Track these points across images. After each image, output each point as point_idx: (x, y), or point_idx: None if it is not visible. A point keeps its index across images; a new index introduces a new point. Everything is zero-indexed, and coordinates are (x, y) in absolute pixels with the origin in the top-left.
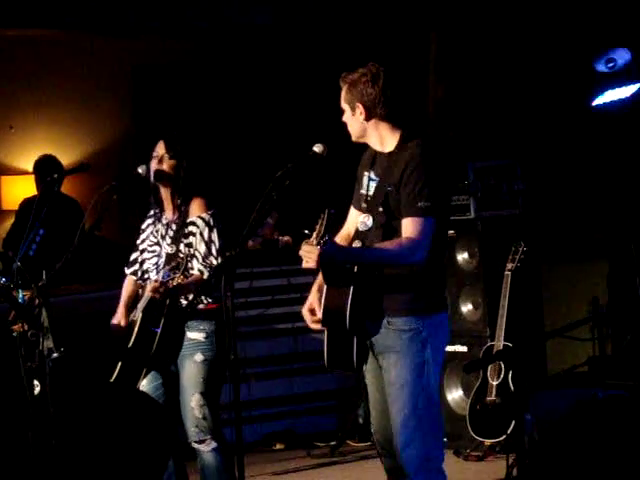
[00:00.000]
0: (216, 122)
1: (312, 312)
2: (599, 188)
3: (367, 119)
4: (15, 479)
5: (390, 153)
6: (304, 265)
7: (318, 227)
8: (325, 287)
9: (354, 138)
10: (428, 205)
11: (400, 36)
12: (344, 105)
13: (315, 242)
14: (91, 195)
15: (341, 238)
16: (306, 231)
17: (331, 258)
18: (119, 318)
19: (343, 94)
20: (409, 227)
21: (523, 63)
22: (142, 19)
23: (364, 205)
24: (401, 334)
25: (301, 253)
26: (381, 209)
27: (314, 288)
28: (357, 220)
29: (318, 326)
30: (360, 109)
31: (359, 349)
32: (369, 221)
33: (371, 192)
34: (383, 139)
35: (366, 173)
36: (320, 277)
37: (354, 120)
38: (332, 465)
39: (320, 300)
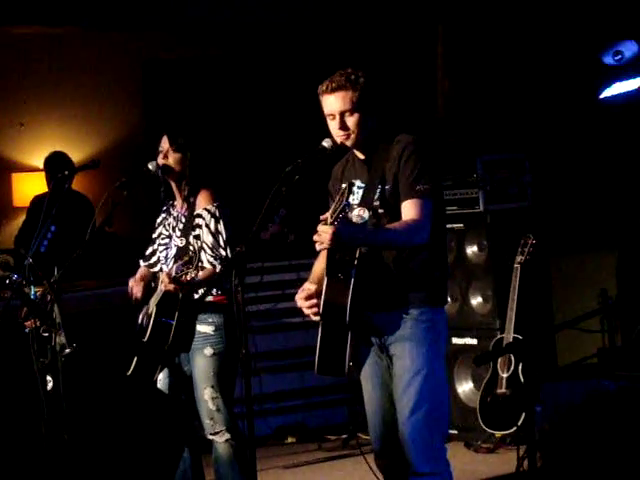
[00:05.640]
0: (226, 117)
1: (308, 298)
2: (607, 180)
3: (368, 123)
4: (29, 474)
5: (374, 154)
6: (317, 247)
7: (334, 205)
8: (325, 281)
9: (354, 142)
10: (427, 188)
11: (407, 31)
12: (343, 109)
13: (330, 221)
14: (102, 191)
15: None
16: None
17: (345, 237)
18: (135, 282)
19: (341, 99)
20: (410, 209)
21: (530, 56)
22: (152, 14)
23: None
24: (418, 324)
25: (315, 237)
26: (377, 203)
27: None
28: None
29: (314, 312)
30: (361, 113)
31: (352, 351)
32: (365, 213)
33: (360, 199)
34: (371, 141)
35: (347, 185)
36: (312, 276)
37: (359, 123)
38: (343, 458)
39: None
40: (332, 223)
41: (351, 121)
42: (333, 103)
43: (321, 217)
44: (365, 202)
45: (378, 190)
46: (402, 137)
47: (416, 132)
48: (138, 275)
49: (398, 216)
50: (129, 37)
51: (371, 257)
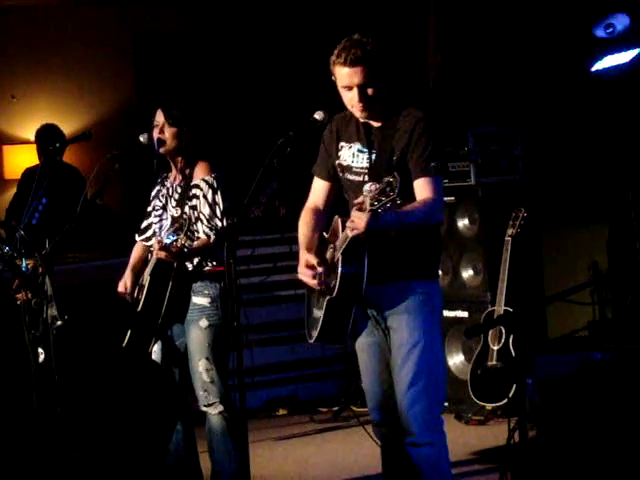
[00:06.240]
0: (218, 89)
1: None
2: (599, 153)
3: (383, 92)
4: (21, 447)
5: (385, 124)
6: (350, 234)
7: (374, 193)
8: (341, 257)
9: (372, 112)
10: (438, 165)
11: (399, 3)
12: (363, 82)
13: (368, 209)
14: (93, 164)
15: (308, 210)
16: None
17: (378, 225)
18: (125, 280)
19: (361, 72)
20: (426, 187)
21: (522, 29)
22: None
23: (357, 178)
24: (416, 297)
25: (349, 223)
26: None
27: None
28: (325, 190)
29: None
30: (378, 83)
31: (354, 320)
32: (374, 187)
33: (364, 164)
34: (380, 109)
35: (347, 144)
36: (302, 240)
37: (377, 94)
38: (335, 430)
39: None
40: (370, 210)
41: (370, 92)
42: (353, 76)
43: (355, 201)
44: (373, 173)
45: (386, 160)
46: (411, 110)
47: (422, 107)
48: (123, 278)
49: (404, 187)
50: (119, 9)
51: (378, 233)
